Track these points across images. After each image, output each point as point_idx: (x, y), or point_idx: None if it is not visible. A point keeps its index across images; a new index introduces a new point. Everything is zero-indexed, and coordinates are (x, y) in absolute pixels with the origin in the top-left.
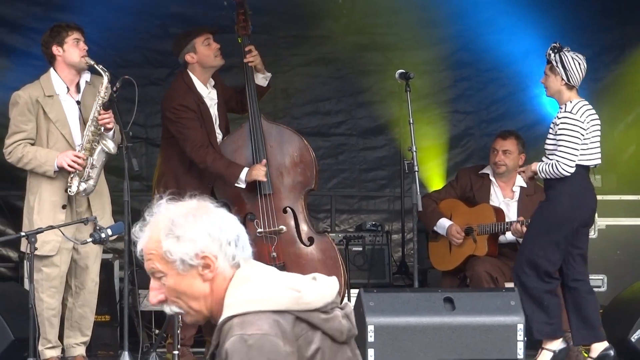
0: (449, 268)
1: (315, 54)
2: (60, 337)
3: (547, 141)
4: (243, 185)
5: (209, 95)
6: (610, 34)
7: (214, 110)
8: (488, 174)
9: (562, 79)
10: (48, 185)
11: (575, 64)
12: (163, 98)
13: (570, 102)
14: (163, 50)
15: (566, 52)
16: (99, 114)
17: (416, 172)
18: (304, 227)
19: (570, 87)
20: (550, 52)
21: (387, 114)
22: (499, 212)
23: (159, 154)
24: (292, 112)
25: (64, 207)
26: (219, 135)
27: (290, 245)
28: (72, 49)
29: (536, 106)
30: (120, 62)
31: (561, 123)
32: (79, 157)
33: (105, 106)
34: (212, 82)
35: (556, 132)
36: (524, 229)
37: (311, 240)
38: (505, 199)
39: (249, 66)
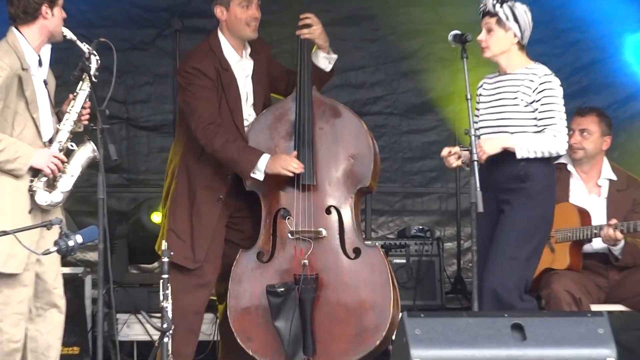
0: None
1: (345, 11)
2: None
3: (508, 114)
4: (261, 177)
5: (240, 64)
6: None
7: (244, 84)
8: (565, 164)
9: (515, 36)
10: (10, 183)
11: (528, 17)
12: (182, 59)
13: (534, 63)
14: (149, 6)
15: (514, 3)
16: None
17: (476, 162)
18: (350, 234)
19: (521, 46)
20: (494, 2)
21: (438, 86)
22: (583, 214)
23: (175, 135)
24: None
25: (30, 211)
26: (250, 117)
27: (328, 255)
28: (59, 15)
29: (629, 77)
30: (95, 21)
31: (546, 88)
32: (59, 160)
33: (76, 78)
34: (249, 51)
35: (538, 99)
36: (619, 235)
37: (357, 252)
38: (590, 195)
39: (305, 39)
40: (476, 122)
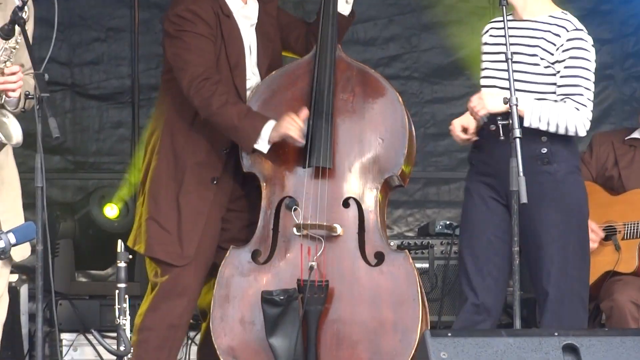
0: None
1: None
2: None
3: (522, 75)
4: (265, 148)
5: (244, 11)
6: None
7: (249, 35)
8: None
9: None
10: None
11: None
12: (171, 2)
13: (561, 11)
14: None
15: None
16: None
17: (518, 139)
18: (372, 235)
19: None
20: None
21: (470, 43)
22: None
23: (156, 101)
24: None
25: None
26: (253, 77)
27: (343, 259)
28: None
29: None
30: None
31: (575, 46)
32: None
33: (6, 32)
34: None
35: (562, 59)
36: None
37: (380, 257)
38: None
39: None
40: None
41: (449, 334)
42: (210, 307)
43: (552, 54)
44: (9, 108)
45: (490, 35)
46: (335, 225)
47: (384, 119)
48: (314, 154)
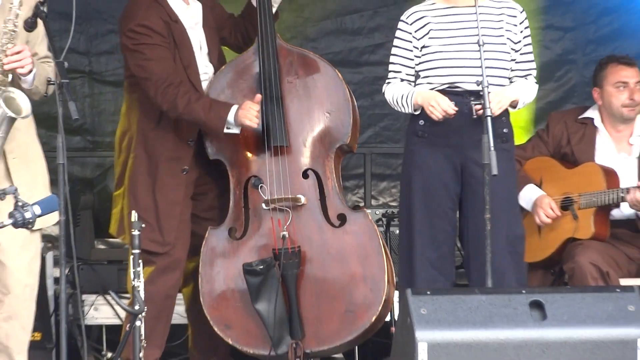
0: (538, 258)
1: None
2: None
3: (499, 55)
4: (236, 131)
5: (188, 12)
6: None
7: (196, 34)
8: (592, 119)
9: None
10: None
11: None
12: (120, 16)
13: None
14: None
15: None
16: (4, 50)
17: (489, 118)
18: (333, 200)
19: None
20: None
21: None
22: (610, 175)
23: (123, 99)
24: (305, 31)
25: None
26: (207, 69)
27: (310, 225)
28: None
29: None
30: None
31: (527, 25)
32: None
33: (29, 25)
34: None
35: (520, 39)
36: None
37: (342, 218)
38: (619, 154)
39: None
40: (412, 67)
41: (428, 292)
42: (191, 274)
43: (516, 34)
44: (25, 87)
45: (432, 24)
46: (299, 196)
47: (328, 94)
48: (271, 135)
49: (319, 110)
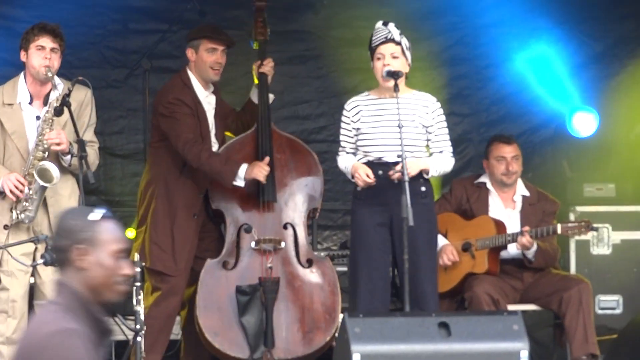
0: (445, 289)
1: (292, 51)
2: None
3: (414, 135)
4: (242, 184)
5: (207, 99)
6: (625, 24)
7: (211, 116)
8: (485, 183)
9: (408, 65)
10: None
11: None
12: (157, 95)
13: (415, 90)
14: (122, 49)
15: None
16: (44, 134)
17: (407, 183)
18: (303, 247)
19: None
20: (395, 30)
21: None
22: (499, 225)
23: (147, 161)
24: None
25: (5, 227)
26: (214, 146)
27: (286, 264)
28: (34, 56)
29: (541, 107)
30: (73, 62)
31: (440, 113)
32: (20, 184)
33: (57, 111)
34: (212, 88)
35: (433, 124)
36: (531, 240)
37: (310, 262)
38: (506, 209)
39: (264, 74)
40: (353, 142)
41: (361, 315)
42: (188, 300)
43: (427, 120)
44: (64, 165)
45: (361, 108)
46: (280, 239)
47: (307, 170)
48: (264, 192)
49: (300, 180)
